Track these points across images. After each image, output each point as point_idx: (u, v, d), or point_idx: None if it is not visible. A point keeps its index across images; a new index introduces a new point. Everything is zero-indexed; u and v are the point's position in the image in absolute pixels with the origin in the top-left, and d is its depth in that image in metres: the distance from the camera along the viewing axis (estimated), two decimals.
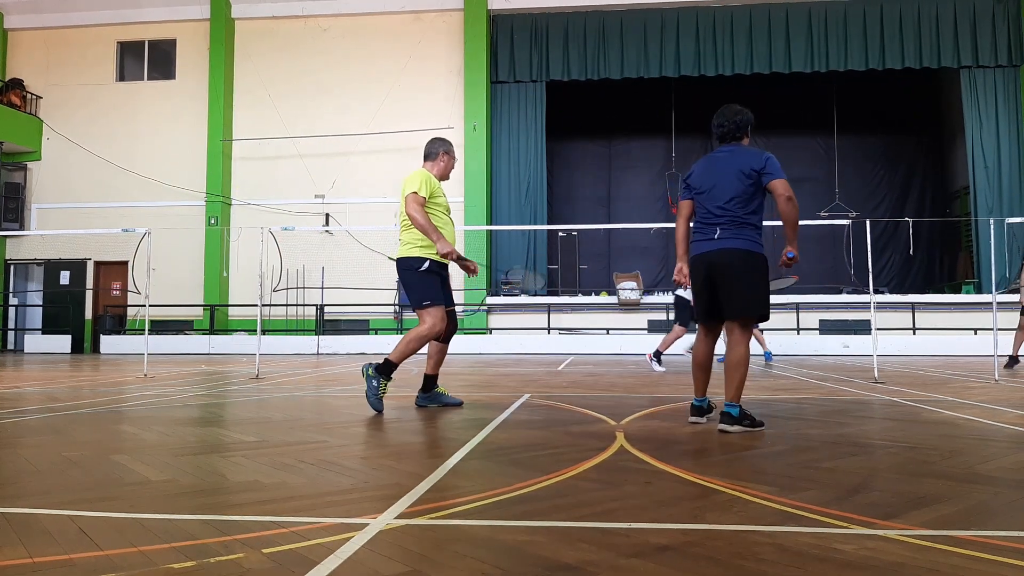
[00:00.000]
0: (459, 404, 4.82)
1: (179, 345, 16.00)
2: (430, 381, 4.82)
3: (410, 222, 4.54)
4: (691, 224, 3.98)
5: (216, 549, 1.74)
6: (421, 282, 4.56)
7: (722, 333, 4.04)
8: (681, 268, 4.04)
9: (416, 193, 4.50)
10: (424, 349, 4.77)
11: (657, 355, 8.64)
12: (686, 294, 8.02)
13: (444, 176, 4.90)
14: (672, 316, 11.22)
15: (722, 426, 3.63)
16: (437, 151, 4.88)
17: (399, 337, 16.03)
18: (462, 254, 4.68)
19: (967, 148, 17.02)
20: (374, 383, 4.42)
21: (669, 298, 16.44)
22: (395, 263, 4.70)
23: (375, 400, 4.43)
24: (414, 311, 4.65)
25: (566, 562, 1.64)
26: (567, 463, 2.80)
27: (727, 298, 3.71)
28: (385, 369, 4.46)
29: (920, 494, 2.29)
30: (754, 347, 8.87)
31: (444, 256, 4.47)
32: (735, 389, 3.65)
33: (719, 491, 2.34)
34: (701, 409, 3.99)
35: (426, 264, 4.56)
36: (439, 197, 4.71)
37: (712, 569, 1.60)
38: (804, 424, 3.97)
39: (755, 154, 3.75)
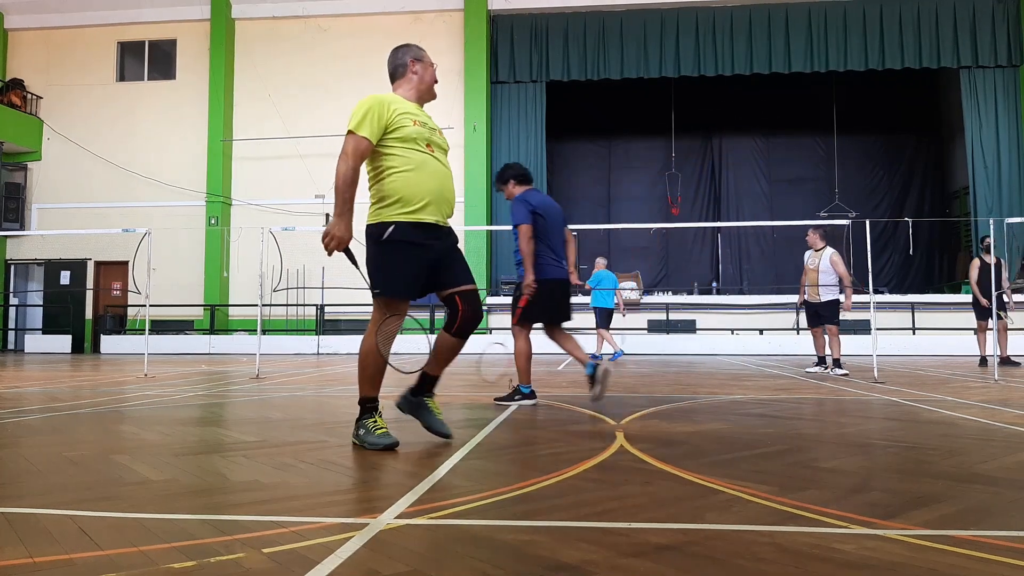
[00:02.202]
0: (447, 436, 3.36)
1: (179, 345, 16.01)
2: (427, 381, 3.42)
3: (369, 177, 3.28)
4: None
5: (216, 549, 1.74)
6: (378, 259, 3.17)
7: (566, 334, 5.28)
8: (531, 282, 4.86)
9: (352, 133, 3.09)
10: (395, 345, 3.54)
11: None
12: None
13: (426, 94, 3.49)
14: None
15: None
16: (403, 62, 3.41)
17: (398, 338, 16.01)
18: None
19: (967, 148, 17.03)
20: (361, 432, 3.19)
21: (669, 298, 16.46)
22: None
23: (378, 440, 3.13)
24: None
25: (566, 562, 1.64)
26: (567, 463, 2.80)
27: (567, 311, 5.15)
28: (363, 410, 3.24)
29: (920, 494, 2.29)
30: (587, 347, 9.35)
31: (325, 238, 3.05)
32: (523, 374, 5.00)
33: (719, 491, 2.34)
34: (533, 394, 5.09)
35: (389, 231, 3.12)
36: (403, 128, 3.18)
37: (712, 569, 1.60)
38: (804, 424, 3.97)
39: None
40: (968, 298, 15.55)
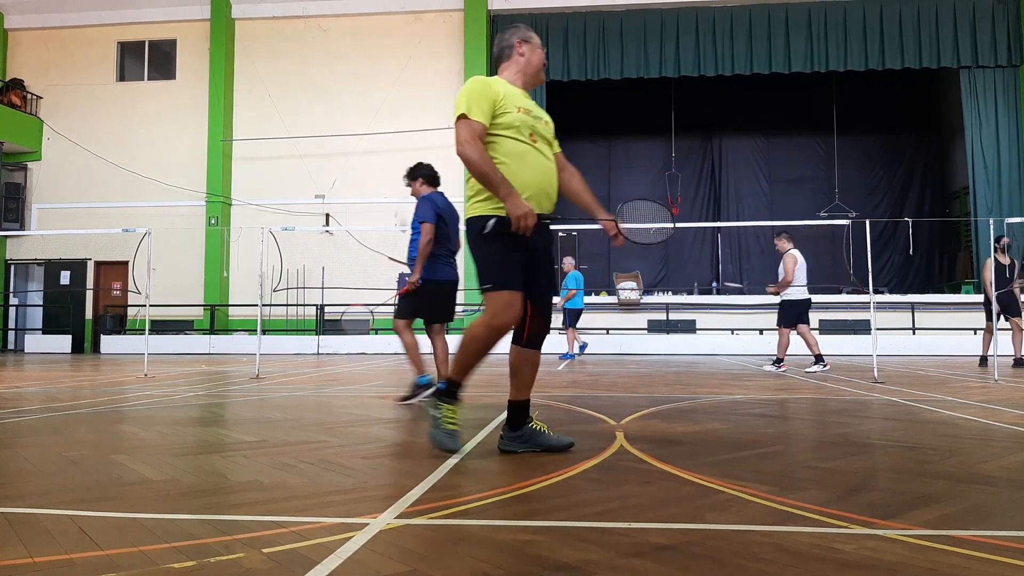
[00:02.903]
0: (570, 445, 3.11)
1: (179, 345, 16.01)
2: (518, 411, 3.08)
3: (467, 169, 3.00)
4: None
5: (216, 549, 1.74)
6: (485, 253, 3.01)
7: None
8: (417, 280, 5.04)
9: (465, 117, 2.89)
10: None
11: (777, 361, 8.98)
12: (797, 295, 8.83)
13: (533, 78, 3.21)
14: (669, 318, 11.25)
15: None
16: (509, 43, 3.17)
17: (398, 338, 16.03)
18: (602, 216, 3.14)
19: (967, 148, 17.03)
20: (435, 414, 3.05)
21: (669, 298, 16.46)
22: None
23: (443, 437, 3.01)
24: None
25: (566, 562, 1.64)
26: (567, 463, 2.80)
27: (450, 313, 5.30)
28: (448, 391, 3.06)
29: (920, 494, 2.29)
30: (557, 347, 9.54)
31: (516, 220, 2.80)
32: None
33: (719, 491, 2.34)
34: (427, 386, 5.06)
35: (491, 223, 2.95)
36: (507, 114, 2.96)
37: (712, 569, 1.60)
38: (804, 424, 3.97)
39: None
40: (968, 298, 15.63)
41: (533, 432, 3.07)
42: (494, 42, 3.23)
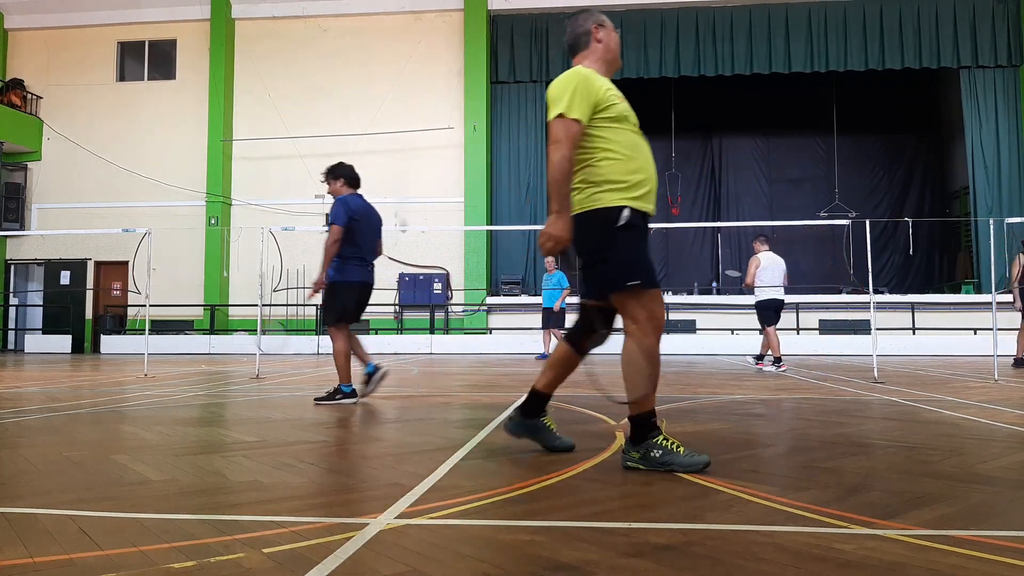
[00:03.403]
0: (570, 448, 3.07)
1: (179, 345, 16.01)
2: (537, 401, 3.01)
3: (579, 159, 2.74)
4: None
5: (216, 549, 1.74)
6: (624, 247, 2.67)
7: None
8: (321, 280, 5.20)
9: (563, 117, 2.66)
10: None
11: (771, 360, 9.15)
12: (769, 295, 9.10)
13: (613, 63, 3.00)
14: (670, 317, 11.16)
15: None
16: (586, 29, 2.92)
17: (398, 338, 16.11)
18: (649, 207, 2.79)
19: (967, 148, 17.03)
20: (657, 454, 2.64)
21: (669, 298, 16.44)
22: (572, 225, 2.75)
23: (688, 461, 2.63)
24: (608, 297, 2.75)
25: (566, 562, 1.64)
26: (567, 463, 2.80)
27: (358, 315, 5.34)
28: (644, 425, 2.68)
29: (920, 494, 2.29)
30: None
31: (543, 238, 2.68)
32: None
33: (719, 491, 2.34)
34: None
35: (626, 214, 2.67)
36: (614, 106, 2.78)
37: (712, 569, 1.60)
38: (804, 424, 3.97)
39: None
40: (968, 298, 15.63)
41: (543, 426, 3.01)
42: (567, 31, 2.98)
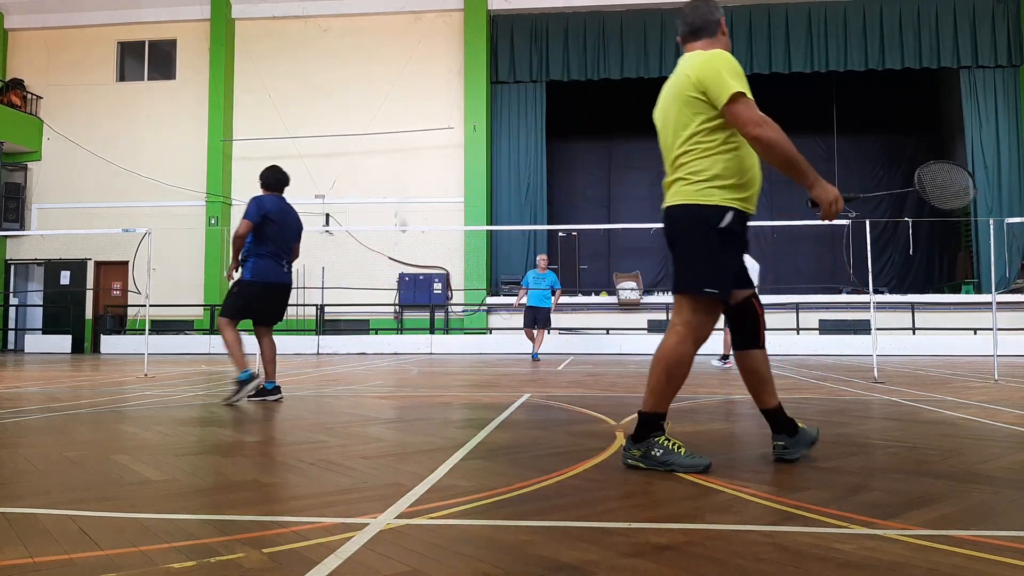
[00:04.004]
0: (816, 437, 2.91)
1: (179, 345, 16.00)
2: (781, 417, 2.83)
3: (695, 148, 2.62)
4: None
5: (216, 549, 1.74)
6: (713, 251, 2.62)
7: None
8: (232, 270, 5.45)
9: (744, 95, 2.51)
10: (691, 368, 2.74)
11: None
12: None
13: None
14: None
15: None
16: (715, 18, 2.79)
17: (398, 338, 16.11)
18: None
19: (967, 148, 17.03)
20: (657, 453, 2.63)
21: (669, 298, 16.43)
22: (665, 213, 2.75)
23: (688, 461, 2.62)
24: (679, 295, 2.69)
25: (566, 562, 1.64)
26: (567, 463, 2.80)
27: (275, 315, 5.47)
28: (650, 425, 2.67)
29: (920, 494, 2.29)
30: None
31: (828, 206, 2.55)
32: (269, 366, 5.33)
33: (719, 491, 2.34)
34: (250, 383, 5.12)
35: (729, 217, 2.61)
36: None
37: (712, 569, 1.60)
38: (804, 424, 3.97)
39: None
40: (968, 298, 15.62)
41: (802, 430, 2.85)
42: (688, 13, 2.79)
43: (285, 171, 5.60)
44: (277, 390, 5.31)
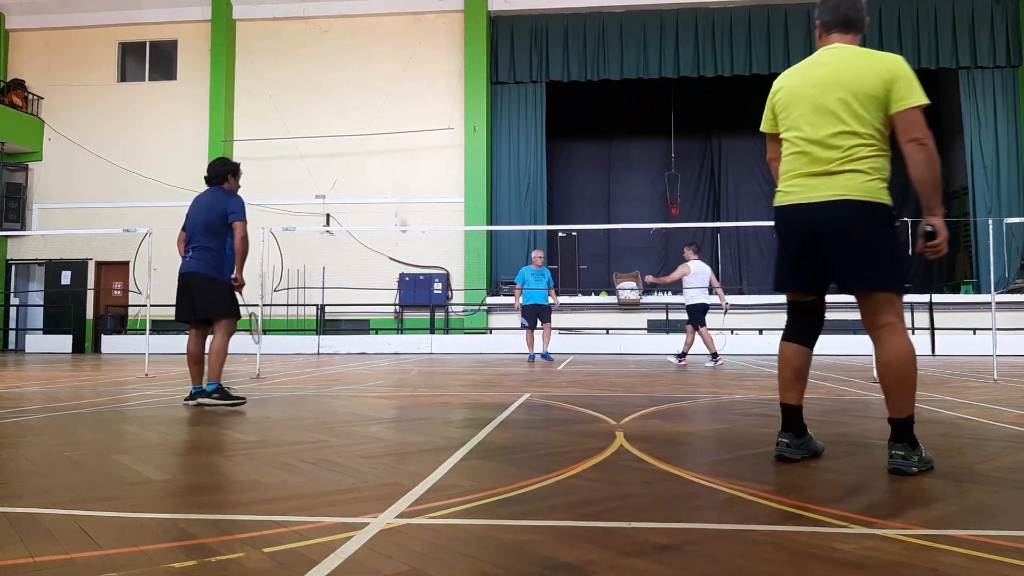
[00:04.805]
0: (822, 449, 3.00)
1: (180, 345, 15.94)
2: (800, 417, 2.91)
3: (875, 144, 2.74)
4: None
5: (217, 548, 1.74)
6: (895, 248, 2.74)
7: None
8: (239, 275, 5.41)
9: (922, 109, 2.67)
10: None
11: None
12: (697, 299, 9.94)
13: None
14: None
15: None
16: (864, 15, 2.85)
17: (398, 338, 16.11)
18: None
19: (966, 148, 17.03)
20: (926, 454, 2.65)
21: (669, 298, 16.45)
22: (827, 207, 2.75)
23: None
24: (883, 293, 2.66)
25: (566, 561, 1.65)
26: (567, 463, 2.81)
27: (191, 311, 5.25)
28: (910, 430, 2.61)
29: (920, 494, 2.30)
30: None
31: (944, 240, 2.76)
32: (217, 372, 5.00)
33: (719, 491, 2.35)
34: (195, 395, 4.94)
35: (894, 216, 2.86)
36: None
37: (712, 569, 1.60)
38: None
39: (227, 196, 5.33)
40: (968, 298, 15.62)
41: (810, 439, 2.91)
42: (840, 5, 2.79)
43: (223, 165, 5.50)
44: (192, 397, 4.96)
